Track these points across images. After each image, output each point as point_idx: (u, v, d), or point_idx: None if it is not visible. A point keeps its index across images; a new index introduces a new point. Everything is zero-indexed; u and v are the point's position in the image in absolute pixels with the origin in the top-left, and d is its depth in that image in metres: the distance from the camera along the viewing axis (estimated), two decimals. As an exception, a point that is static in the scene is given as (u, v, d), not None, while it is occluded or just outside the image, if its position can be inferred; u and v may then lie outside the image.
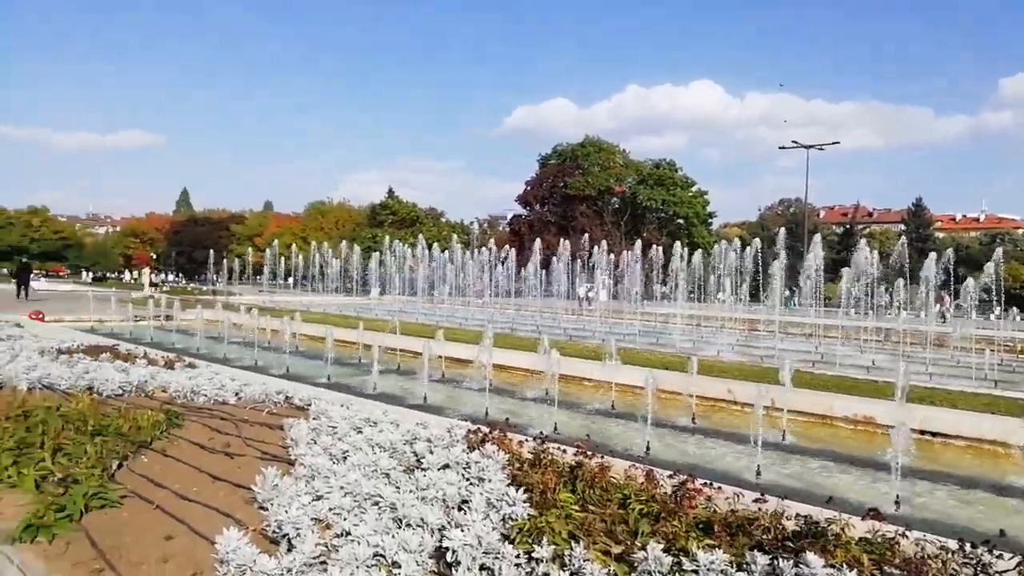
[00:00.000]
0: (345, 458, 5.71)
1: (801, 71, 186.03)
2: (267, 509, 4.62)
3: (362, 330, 15.73)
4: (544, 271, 40.02)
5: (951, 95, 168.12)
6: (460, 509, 4.66)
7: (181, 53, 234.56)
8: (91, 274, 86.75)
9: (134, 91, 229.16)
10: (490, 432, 6.17)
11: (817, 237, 33.67)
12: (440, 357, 14.32)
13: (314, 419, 6.84)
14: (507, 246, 41.88)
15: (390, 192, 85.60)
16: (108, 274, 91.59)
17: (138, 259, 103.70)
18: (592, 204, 69.43)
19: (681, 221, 70.91)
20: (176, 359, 10.86)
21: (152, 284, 50.40)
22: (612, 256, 39.85)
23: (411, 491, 4.80)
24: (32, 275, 40.72)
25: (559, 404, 10.41)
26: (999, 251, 26.76)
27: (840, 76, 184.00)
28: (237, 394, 8.63)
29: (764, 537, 4.36)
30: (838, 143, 63.39)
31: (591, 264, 42.09)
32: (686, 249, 33.04)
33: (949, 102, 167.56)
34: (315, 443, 5.95)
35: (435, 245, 43.99)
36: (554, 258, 39.42)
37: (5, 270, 68.33)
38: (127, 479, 5.36)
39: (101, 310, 24.28)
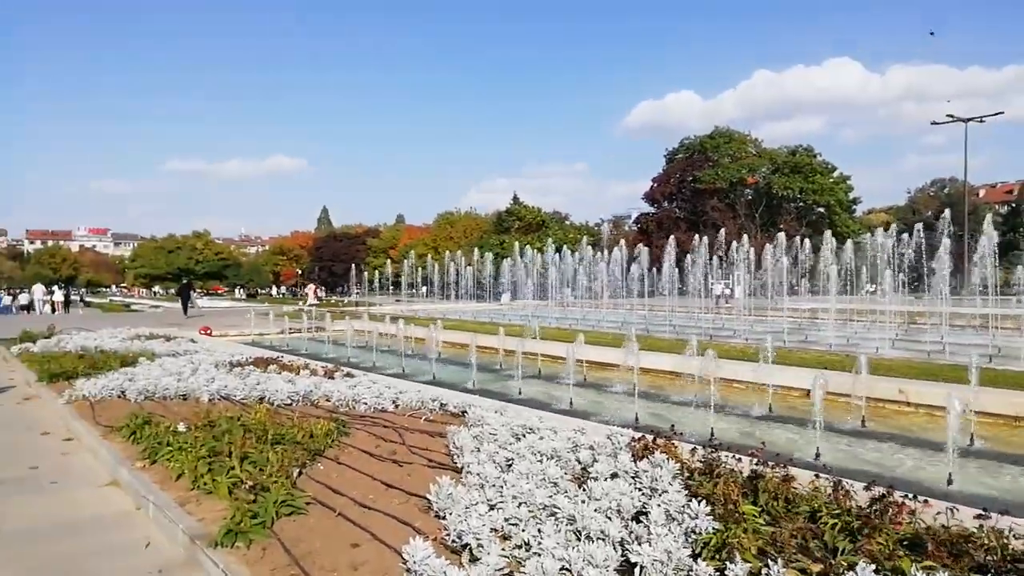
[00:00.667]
0: (510, 466, 5.69)
1: (952, 38, 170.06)
2: (444, 518, 4.66)
3: (503, 336, 15.86)
4: (677, 269, 38.91)
5: None
6: (637, 521, 4.49)
7: (316, 80, 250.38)
8: (244, 291, 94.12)
9: (278, 121, 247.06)
10: (654, 440, 5.94)
11: (989, 217, 30.58)
12: (581, 361, 14.21)
13: (473, 426, 6.88)
14: (640, 244, 40.95)
15: (515, 198, 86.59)
16: (260, 290, 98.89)
17: (286, 275, 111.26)
18: (724, 197, 66.82)
19: (822, 210, 66.79)
20: (334, 369, 11.40)
21: (318, 298, 53.60)
22: (750, 250, 38.06)
23: (583, 501, 4.67)
24: (193, 293, 45.20)
25: (713, 408, 9.96)
26: None
27: (1001, 37, 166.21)
28: (394, 402, 8.90)
29: (988, 559, 3.88)
30: (1001, 113, 57.52)
31: (726, 260, 40.47)
32: (834, 240, 30.97)
33: None
34: (479, 451, 5.97)
35: (564, 248, 43.92)
36: (687, 255, 38.26)
37: (172, 290, 75.38)
38: (307, 486, 5.60)
39: (260, 324, 26.14)
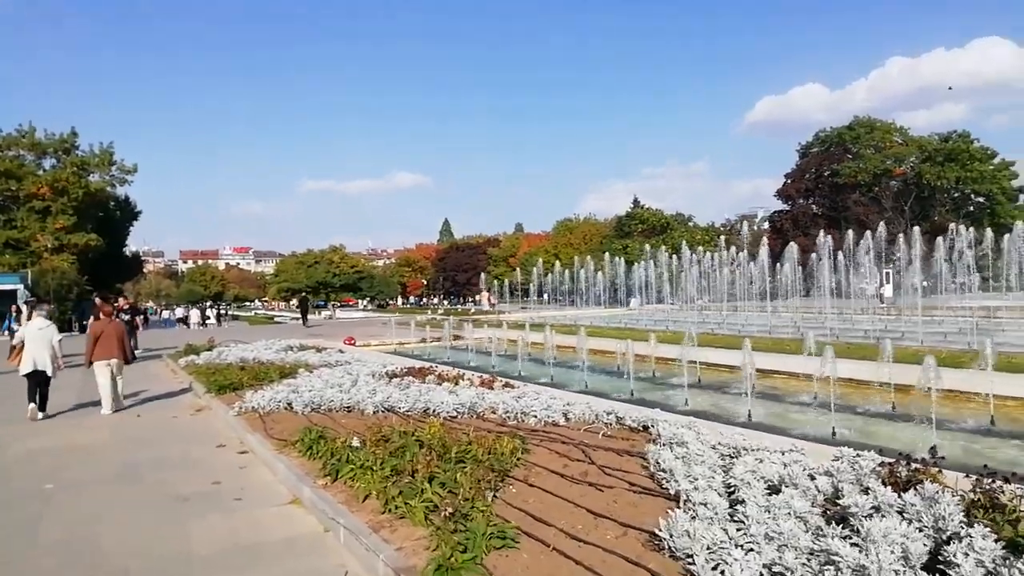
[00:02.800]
0: (731, 494, 4.90)
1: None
2: (680, 558, 3.95)
3: (654, 342, 14.95)
4: (824, 268, 36.26)
5: None
6: (931, 572, 3.60)
7: (434, 99, 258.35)
8: (371, 302, 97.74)
9: (400, 140, 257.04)
10: (917, 465, 4.94)
11: None
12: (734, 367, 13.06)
13: (676, 446, 6.12)
14: (791, 243, 38.39)
15: (635, 201, 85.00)
16: (388, 301, 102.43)
17: (412, 286, 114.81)
18: (867, 191, 62.15)
19: (981, 200, 60.66)
20: (492, 379, 10.97)
21: (491, 304, 54.22)
22: (903, 246, 34.80)
23: (855, 544, 3.81)
24: (311, 305, 48.70)
25: (926, 421, 8.64)
26: None
27: None
28: (565, 414, 8.29)
29: None
30: None
31: (876, 257, 37.26)
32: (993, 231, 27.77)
33: None
34: (692, 476, 5.21)
35: (699, 248, 42.13)
36: (832, 253, 35.57)
37: (321, 302, 79.33)
38: (505, 512, 5.04)
39: (400, 334, 26.58)
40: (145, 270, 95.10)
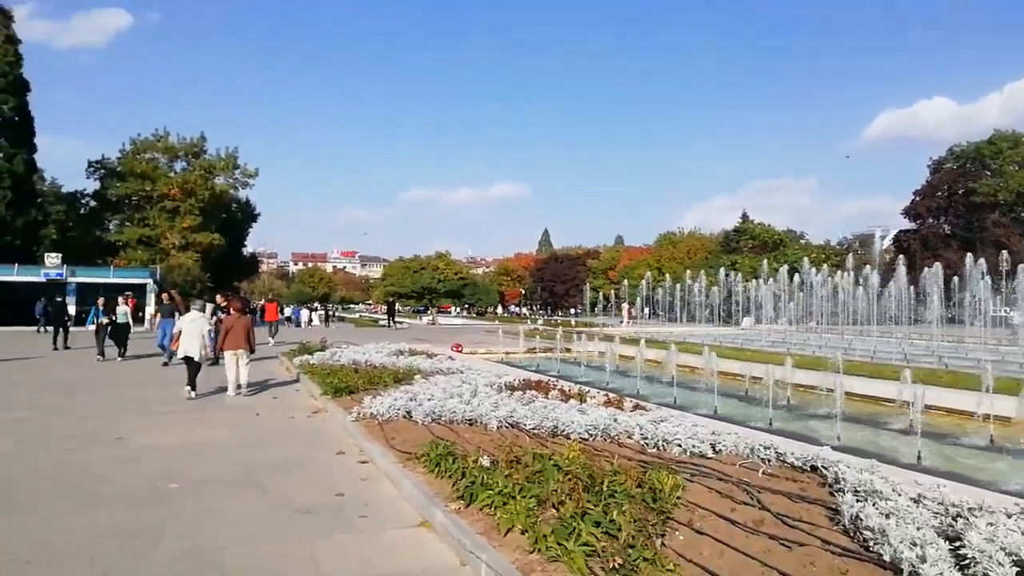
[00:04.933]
0: (963, 567, 3.93)
1: None
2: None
3: (789, 366, 13.67)
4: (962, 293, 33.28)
5: None
6: None
7: (538, 107, 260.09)
8: (468, 310, 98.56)
9: (503, 149, 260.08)
10: None
11: None
12: (883, 400, 11.67)
13: (871, 496, 5.14)
14: (936, 264, 35.48)
15: (744, 216, 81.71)
16: (489, 309, 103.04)
17: (510, 295, 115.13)
18: (1008, 210, 57.00)
19: None
20: (621, 399, 10.18)
21: (631, 317, 52.31)
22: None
23: None
24: (397, 310, 51.54)
25: None
26: None
27: None
28: (713, 446, 7.39)
29: None
30: None
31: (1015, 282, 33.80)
32: None
33: None
34: (912, 541, 4.25)
35: (823, 267, 39.62)
36: (955, 277, 32.61)
37: (422, 307, 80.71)
38: (676, 564, 4.27)
39: (506, 343, 26.20)
40: (260, 270, 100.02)
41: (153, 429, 9.93)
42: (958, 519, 4.72)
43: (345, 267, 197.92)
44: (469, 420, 8.92)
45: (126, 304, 21.11)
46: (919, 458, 8.92)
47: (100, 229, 55.88)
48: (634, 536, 4.56)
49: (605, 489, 5.45)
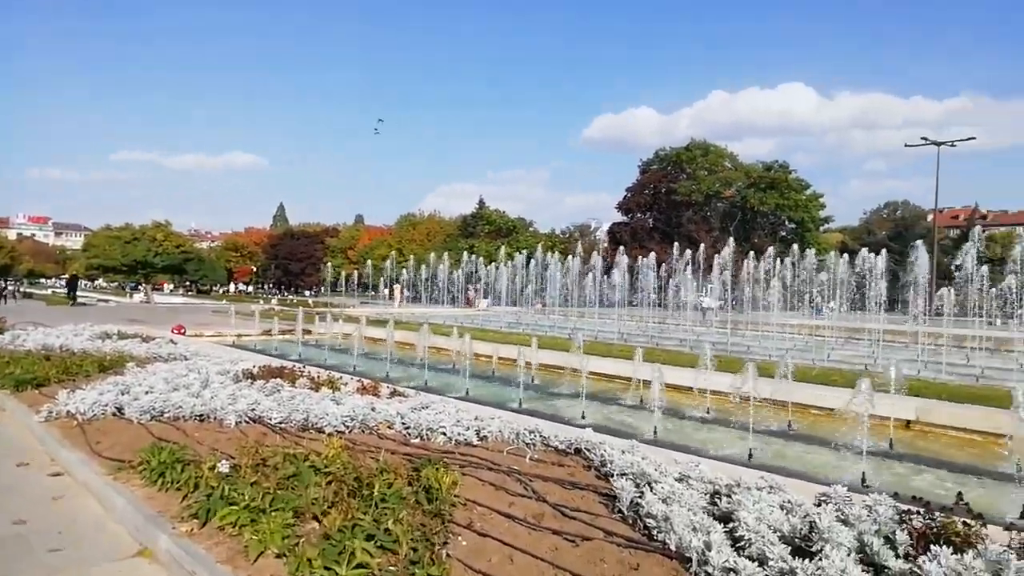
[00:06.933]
0: (739, 548, 4.01)
1: (899, 68, 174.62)
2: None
3: (536, 349, 14.06)
4: (664, 280, 37.88)
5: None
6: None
7: (276, 78, 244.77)
8: (189, 287, 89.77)
9: (237, 117, 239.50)
10: (928, 514, 4.29)
11: (977, 232, 30.75)
12: (618, 378, 12.54)
13: (639, 480, 5.13)
14: (652, 253, 39.47)
15: (481, 202, 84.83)
16: (214, 287, 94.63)
17: (239, 272, 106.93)
18: (699, 210, 66.36)
19: (793, 226, 66.94)
20: (376, 384, 9.45)
21: (401, 301, 50.46)
22: (727, 263, 37.10)
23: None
24: (78, 285, 49.04)
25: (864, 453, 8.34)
26: None
27: (943, 70, 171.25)
28: (478, 432, 7.07)
29: None
30: (973, 138, 58.44)
31: (706, 273, 39.59)
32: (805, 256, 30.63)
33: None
34: (694, 526, 4.23)
35: (552, 253, 42.33)
36: (661, 266, 37.42)
37: (134, 283, 71.30)
38: (463, 577, 3.79)
39: (223, 325, 23.89)
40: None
41: None
42: (721, 497, 4.86)
43: (35, 235, 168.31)
44: (200, 416, 7.59)
45: None
46: (655, 433, 9.56)
47: None
48: (415, 549, 3.98)
49: (376, 493, 4.79)
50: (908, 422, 10.54)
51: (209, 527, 4.66)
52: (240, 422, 7.43)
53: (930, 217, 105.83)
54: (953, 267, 27.24)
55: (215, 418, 7.52)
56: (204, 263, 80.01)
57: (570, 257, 40.08)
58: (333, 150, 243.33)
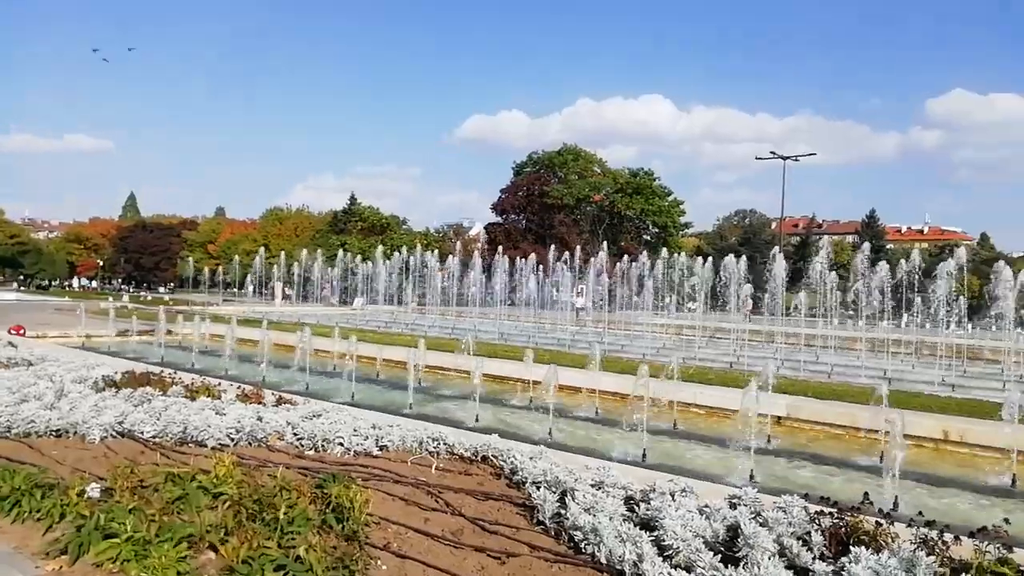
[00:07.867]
0: (669, 557, 4.00)
1: (748, 86, 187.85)
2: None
3: (424, 350, 13.69)
4: (535, 280, 38.54)
5: (885, 113, 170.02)
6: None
7: (129, 56, 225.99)
8: (26, 283, 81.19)
9: (82, 95, 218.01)
10: (837, 515, 4.48)
11: (826, 242, 33.63)
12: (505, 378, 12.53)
13: (552, 488, 5.02)
14: (532, 254, 39.80)
15: (352, 198, 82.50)
16: (53, 282, 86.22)
17: (83, 266, 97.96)
18: (570, 212, 68.00)
19: (657, 230, 70.20)
20: (259, 391, 8.78)
21: (285, 297, 48.46)
22: (600, 265, 38.39)
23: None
24: None
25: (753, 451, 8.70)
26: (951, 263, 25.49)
27: (785, 90, 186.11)
28: (378, 441, 6.72)
29: None
30: (814, 154, 63.76)
31: (577, 273, 40.67)
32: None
33: (883, 120, 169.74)
34: (623, 536, 4.16)
35: (427, 252, 41.79)
36: (537, 267, 38.31)
37: None
38: (391, 607, 3.51)
39: (70, 324, 21.73)
40: None
41: None
42: (638, 504, 4.85)
43: None
44: (57, 431, 6.74)
45: None
46: (550, 434, 9.56)
47: None
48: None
49: (281, 517, 4.36)
50: (779, 418, 11.21)
51: (82, 564, 4.06)
52: (107, 437, 6.67)
53: (775, 225, 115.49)
54: (808, 272, 29.64)
55: (76, 433, 6.70)
56: (42, 255, 72.51)
57: (449, 257, 39.81)
58: (190, 137, 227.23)
